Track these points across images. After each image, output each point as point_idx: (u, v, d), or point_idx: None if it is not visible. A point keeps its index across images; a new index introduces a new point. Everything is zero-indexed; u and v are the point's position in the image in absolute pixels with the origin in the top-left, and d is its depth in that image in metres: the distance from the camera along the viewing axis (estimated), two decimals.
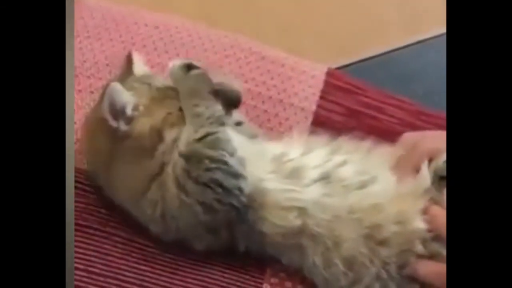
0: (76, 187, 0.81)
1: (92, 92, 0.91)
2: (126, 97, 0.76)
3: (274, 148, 0.80)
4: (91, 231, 0.80)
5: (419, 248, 0.73)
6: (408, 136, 0.82)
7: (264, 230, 0.76)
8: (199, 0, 1.52)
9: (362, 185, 0.76)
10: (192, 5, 1.46)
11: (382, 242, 0.73)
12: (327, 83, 0.97)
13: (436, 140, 0.78)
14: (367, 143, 0.81)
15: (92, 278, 0.77)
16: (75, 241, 0.77)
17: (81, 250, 0.78)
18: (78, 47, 0.95)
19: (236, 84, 0.80)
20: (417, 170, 0.77)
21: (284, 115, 0.93)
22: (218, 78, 0.79)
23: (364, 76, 1.02)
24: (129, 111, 0.76)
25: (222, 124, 0.75)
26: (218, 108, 0.75)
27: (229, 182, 0.73)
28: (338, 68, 1.30)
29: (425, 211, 0.74)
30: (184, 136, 0.75)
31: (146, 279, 0.78)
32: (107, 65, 0.94)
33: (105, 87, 0.76)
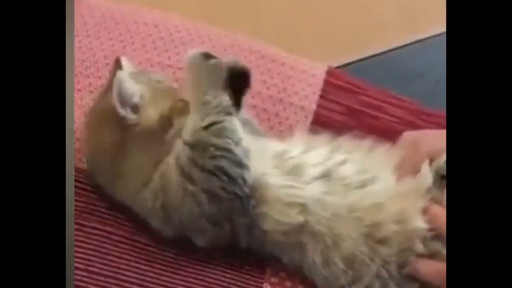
0: (76, 187, 0.81)
1: (91, 91, 0.91)
2: (133, 87, 0.77)
3: (275, 145, 0.80)
4: (91, 230, 0.80)
5: (420, 247, 0.73)
6: (409, 135, 0.82)
7: (266, 228, 0.76)
8: None
9: (363, 184, 0.76)
10: (192, 4, 1.46)
11: (382, 241, 0.73)
12: (327, 82, 0.97)
13: (437, 140, 0.78)
14: (367, 142, 0.81)
15: (92, 278, 0.77)
16: (75, 240, 0.77)
17: (81, 250, 0.78)
18: (78, 46, 0.95)
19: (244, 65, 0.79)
20: (418, 169, 0.77)
21: (284, 114, 0.93)
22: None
23: (364, 75, 1.02)
24: (136, 99, 0.77)
25: (229, 114, 0.75)
26: (225, 99, 0.75)
27: (233, 170, 0.73)
28: (338, 67, 1.30)
29: (425, 211, 0.73)
30: (190, 125, 0.75)
31: (147, 278, 0.78)
32: (107, 64, 0.94)
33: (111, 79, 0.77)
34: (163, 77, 0.85)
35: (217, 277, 0.79)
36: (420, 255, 0.73)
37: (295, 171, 0.76)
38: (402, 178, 0.76)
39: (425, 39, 1.52)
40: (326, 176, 0.76)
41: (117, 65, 0.82)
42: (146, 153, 0.77)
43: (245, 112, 0.81)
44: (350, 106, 0.96)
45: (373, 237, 0.74)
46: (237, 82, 0.77)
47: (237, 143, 0.74)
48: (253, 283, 0.79)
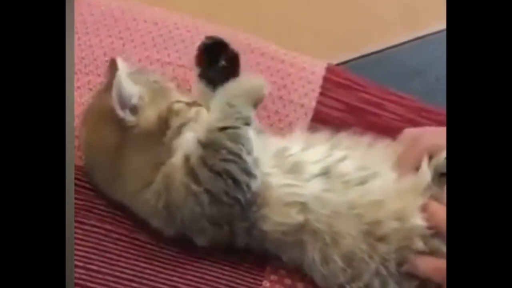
0: (75, 184, 0.80)
1: (90, 89, 0.90)
2: (132, 88, 0.77)
3: (275, 143, 0.80)
4: (90, 228, 0.80)
5: (419, 245, 0.73)
6: (409, 132, 0.82)
7: (265, 229, 0.76)
8: None
9: (362, 181, 0.76)
10: (191, 1, 1.45)
11: (382, 239, 0.73)
12: (326, 80, 0.96)
13: (436, 137, 0.78)
14: (367, 139, 0.81)
15: (91, 276, 0.77)
16: (74, 238, 0.77)
17: (80, 248, 0.78)
18: (77, 44, 0.95)
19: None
20: (417, 166, 0.76)
21: (284, 112, 0.93)
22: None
23: (364, 72, 1.01)
24: (135, 101, 0.77)
25: (247, 124, 0.76)
26: (250, 111, 0.77)
27: (240, 176, 0.73)
28: (338, 65, 1.30)
29: (424, 208, 0.73)
30: (206, 123, 0.76)
31: (146, 276, 0.78)
32: (106, 61, 0.92)
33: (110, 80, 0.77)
34: (159, 77, 0.85)
35: (216, 274, 0.79)
36: (420, 253, 0.73)
37: (295, 169, 0.76)
38: (402, 175, 0.76)
39: (425, 36, 1.52)
40: (325, 173, 0.76)
41: (113, 65, 0.82)
42: (145, 155, 0.77)
43: None
44: (350, 103, 0.95)
45: (373, 234, 0.74)
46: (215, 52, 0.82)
47: (248, 152, 0.74)
48: (252, 280, 0.79)
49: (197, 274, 0.79)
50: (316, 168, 0.76)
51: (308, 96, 0.94)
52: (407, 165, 0.77)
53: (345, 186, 0.75)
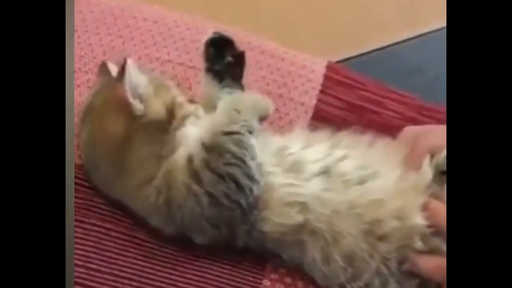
0: (74, 183, 0.80)
1: (90, 88, 0.90)
2: (141, 77, 0.78)
3: (275, 141, 0.80)
4: (90, 227, 0.80)
5: (419, 244, 0.73)
6: (409, 131, 0.82)
7: (265, 230, 0.76)
8: None
9: (363, 180, 0.75)
10: None
11: (382, 238, 0.73)
12: (327, 77, 0.96)
13: (437, 135, 0.78)
14: (368, 138, 0.81)
15: (90, 274, 0.76)
16: (74, 237, 0.77)
17: (79, 246, 0.78)
18: (76, 42, 0.94)
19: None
20: (418, 165, 0.76)
21: (284, 110, 0.92)
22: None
23: (364, 70, 1.01)
24: (143, 90, 0.77)
25: (251, 132, 0.76)
26: (255, 121, 0.77)
27: (243, 181, 0.74)
28: (338, 62, 1.29)
29: (425, 207, 0.73)
30: (211, 125, 0.76)
31: (145, 275, 0.78)
32: (106, 60, 0.93)
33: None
34: (158, 74, 0.86)
35: (216, 273, 0.79)
36: (420, 252, 0.73)
37: (295, 168, 0.76)
38: (403, 174, 0.76)
39: (425, 34, 1.51)
40: (325, 172, 0.76)
41: (103, 69, 0.82)
42: (150, 146, 0.77)
43: None
44: (350, 101, 0.95)
45: (373, 233, 0.73)
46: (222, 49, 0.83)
47: (252, 158, 0.75)
48: (252, 279, 0.79)
49: (197, 273, 0.78)
50: (316, 167, 0.76)
51: (308, 94, 0.94)
52: (408, 164, 0.77)
53: (345, 186, 0.75)
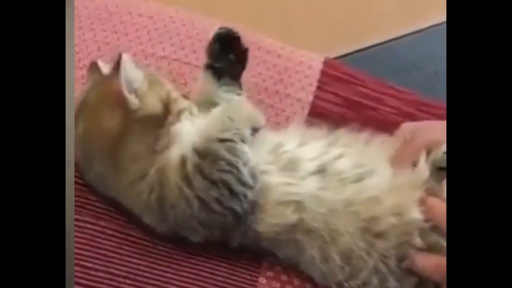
0: None
1: (84, 84, 0.89)
2: (137, 72, 0.78)
3: (271, 138, 0.80)
4: (84, 224, 0.79)
5: (417, 240, 0.72)
6: (407, 127, 0.81)
7: (260, 230, 0.75)
8: None
9: (359, 178, 0.75)
10: None
11: (379, 235, 0.73)
12: (324, 73, 0.96)
13: (435, 131, 0.77)
14: (365, 135, 0.80)
15: (84, 273, 0.76)
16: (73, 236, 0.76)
17: (74, 245, 0.77)
18: None
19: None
20: (415, 162, 0.76)
21: (281, 106, 0.92)
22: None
23: (363, 66, 1.01)
24: (138, 85, 0.77)
25: (243, 141, 0.76)
26: (248, 131, 0.77)
27: (237, 187, 0.73)
28: (336, 58, 1.29)
29: (422, 202, 0.73)
30: (204, 130, 0.76)
31: (140, 273, 0.77)
32: (100, 56, 0.93)
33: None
34: (152, 70, 0.86)
35: (212, 271, 0.78)
36: (419, 249, 0.72)
37: (291, 166, 0.76)
38: (400, 171, 0.76)
39: (424, 29, 1.51)
40: (321, 171, 0.75)
41: (94, 68, 0.82)
42: (145, 140, 0.76)
43: None
44: (348, 98, 0.94)
45: (370, 231, 0.73)
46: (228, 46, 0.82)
47: (244, 164, 0.74)
48: (248, 277, 0.79)
49: (193, 271, 0.78)
50: (312, 166, 0.76)
51: (305, 90, 0.94)
52: (405, 160, 0.76)
53: (341, 184, 0.75)
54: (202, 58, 0.92)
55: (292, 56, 0.97)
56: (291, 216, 0.74)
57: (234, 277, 0.78)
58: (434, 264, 0.71)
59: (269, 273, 0.79)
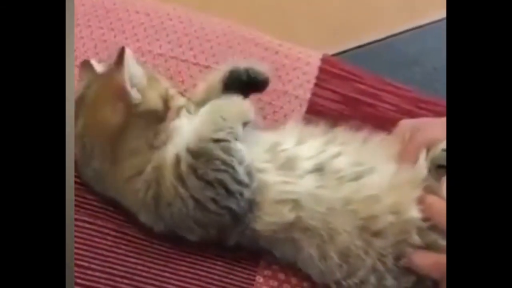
0: None
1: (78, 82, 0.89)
2: (138, 68, 0.78)
3: (269, 137, 0.79)
4: (81, 223, 0.79)
5: (415, 239, 0.72)
6: (405, 124, 0.81)
7: (257, 228, 0.75)
8: None
9: (357, 176, 0.75)
10: None
11: (377, 234, 0.72)
12: (322, 70, 0.95)
13: (434, 129, 0.77)
14: (363, 133, 0.80)
15: (81, 272, 0.75)
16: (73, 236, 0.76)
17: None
18: None
19: (264, 69, 0.82)
20: (414, 159, 0.75)
21: (278, 104, 0.91)
22: (247, 62, 0.81)
23: (362, 63, 1.00)
24: (139, 80, 0.77)
25: (237, 139, 0.75)
26: (240, 129, 0.76)
27: (233, 186, 0.73)
28: (335, 55, 1.28)
29: (420, 200, 0.72)
30: (197, 130, 0.76)
31: (137, 272, 0.77)
32: (97, 53, 0.92)
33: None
34: (149, 68, 0.85)
35: (209, 270, 0.78)
36: (417, 247, 0.72)
37: (288, 165, 0.75)
38: (399, 169, 0.75)
39: (423, 25, 1.50)
40: (319, 169, 0.75)
41: (86, 67, 0.81)
42: (145, 134, 0.76)
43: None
44: (346, 95, 0.94)
45: (368, 229, 0.73)
46: (255, 88, 0.82)
47: (240, 162, 0.74)
48: (246, 276, 0.78)
49: (190, 270, 0.78)
50: (309, 165, 0.75)
51: (303, 87, 0.93)
52: (404, 159, 0.76)
53: (339, 182, 0.74)
54: (200, 56, 0.93)
55: (290, 53, 0.96)
56: (289, 215, 0.74)
57: (231, 276, 0.78)
58: (433, 262, 0.70)
59: (266, 272, 0.79)
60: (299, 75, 0.94)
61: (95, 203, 0.80)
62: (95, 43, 0.94)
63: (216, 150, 0.74)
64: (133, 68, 0.77)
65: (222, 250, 0.78)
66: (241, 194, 0.73)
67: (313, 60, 0.96)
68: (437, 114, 0.90)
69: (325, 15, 1.53)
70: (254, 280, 0.78)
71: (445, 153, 0.74)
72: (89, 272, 0.76)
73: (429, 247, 0.72)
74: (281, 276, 0.79)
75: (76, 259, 0.76)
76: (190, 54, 0.93)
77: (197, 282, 0.77)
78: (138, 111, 0.76)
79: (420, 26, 1.50)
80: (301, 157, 0.76)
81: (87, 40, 0.94)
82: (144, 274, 0.77)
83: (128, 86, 0.75)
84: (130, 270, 0.77)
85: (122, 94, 0.76)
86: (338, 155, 0.76)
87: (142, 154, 0.76)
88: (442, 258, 0.61)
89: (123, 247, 0.78)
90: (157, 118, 0.77)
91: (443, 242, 0.71)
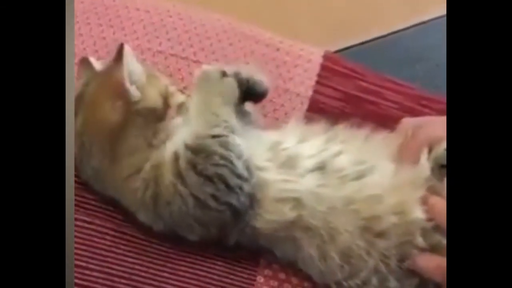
0: None
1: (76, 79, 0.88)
2: (137, 65, 0.78)
3: (270, 136, 0.79)
4: (80, 223, 0.78)
5: (420, 240, 0.71)
6: (408, 122, 0.80)
7: (258, 226, 0.74)
8: None
9: (359, 176, 0.74)
10: None
11: (380, 234, 0.72)
12: (323, 68, 0.94)
13: (436, 127, 0.76)
14: (364, 131, 0.79)
15: (79, 272, 0.75)
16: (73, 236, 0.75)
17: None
18: None
19: (264, 80, 0.80)
20: (417, 158, 0.75)
21: (279, 101, 0.90)
22: (246, 70, 0.79)
23: (364, 59, 0.99)
24: (137, 76, 0.77)
25: (233, 132, 0.75)
26: (234, 118, 0.76)
27: (232, 180, 0.73)
28: (337, 52, 1.27)
29: (424, 201, 0.72)
30: (193, 130, 0.75)
31: (136, 272, 0.76)
32: (96, 51, 0.92)
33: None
34: (148, 65, 0.85)
35: (209, 270, 0.77)
36: (421, 249, 0.71)
37: (289, 163, 0.75)
38: (401, 168, 0.74)
39: (426, 21, 1.49)
40: (321, 168, 0.74)
41: (85, 64, 0.81)
42: (144, 132, 0.76)
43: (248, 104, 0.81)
44: (348, 92, 0.93)
45: (371, 230, 0.72)
46: (254, 98, 0.80)
47: (238, 157, 0.73)
48: (246, 276, 0.78)
49: (189, 270, 0.77)
50: (311, 163, 0.75)
51: (304, 85, 0.92)
52: (406, 157, 0.75)
53: (341, 181, 0.74)
54: (200, 53, 0.92)
55: (291, 50, 0.95)
56: (289, 213, 0.73)
57: (231, 276, 0.77)
58: (436, 264, 0.69)
59: (266, 272, 0.78)
60: (300, 73, 0.93)
61: (93, 202, 0.80)
62: (94, 40, 0.93)
63: (214, 146, 0.73)
64: (132, 65, 0.77)
65: (222, 250, 0.78)
66: (241, 189, 0.73)
67: (315, 57, 0.95)
68: (440, 112, 0.90)
69: (327, 11, 1.52)
70: (254, 280, 0.78)
71: None
72: (87, 272, 0.75)
73: (433, 248, 0.71)
74: (282, 275, 0.78)
75: (74, 259, 0.75)
76: (190, 52, 0.93)
77: (196, 282, 0.77)
78: (137, 108, 0.76)
79: (423, 22, 1.50)
80: (302, 156, 0.75)
81: (86, 38, 0.93)
82: (142, 274, 0.76)
83: (127, 83, 0.75)
84: (129, 270, 0.76)
85: (121, 92, 0.75)
86: (339, 153, 0.75)
87: (141, 153, 0.76)
88: (445, 262, 0.60)
89: (121, 246, 0.78)
90: (156, 116, 0.77)
91: None
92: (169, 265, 0.77)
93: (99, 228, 0.78)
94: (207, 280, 0.77)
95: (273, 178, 0.74)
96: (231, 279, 0.77)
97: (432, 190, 0.72)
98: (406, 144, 0.76)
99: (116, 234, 0.78)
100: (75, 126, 0.78)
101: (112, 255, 0.77)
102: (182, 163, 0.73)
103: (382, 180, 0.74)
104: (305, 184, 0.73)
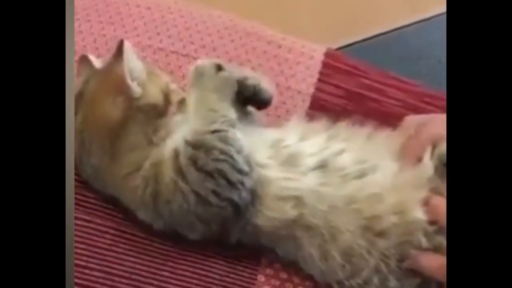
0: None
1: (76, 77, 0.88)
2: (138, 62, 0.78)
3: (272, 134, 0.78)
4: (79, 222, 0.78)
5: (423, 240, 0.71)
6: (411, 120, 0.80)
7: (259, 223, 0.74)
8: None
9: (361, 174, 0.73)
10: None
11: (381, 234, 0.71)
12: (325, 65, 0.93)
13: (440, 124, 0.75)
14: (367, 129, 0.79)
15: (79, 271, 0.75)
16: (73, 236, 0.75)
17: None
18: None
19: (270, 88, 0.81)
20: (420, 156, 0.74)
21: (281, 99, 0.90)
22: (251, 75, 0.80)
23: (366, 56, 0.99)
24: (138, 73, 0.77)
25: (233, 126, 0.75)
26: (232, 112, 0.76)
27: (233, 175, 0.72)
28: (339, 49, 1.27)
29: (426, 201, 0.71)
30: (192, 127, 0.75)
31: (136, 271, 0.76)
32: (96, 48, 0.91)
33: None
34: (149, 62, 0.85)
35: (209, 269, 0.77)
36: (424, 249, 0.71)
37: (291, 161, 0.75)
38: (404, 167, 0.74)
39: (428, 18, 1.49)
40: (322, 166, 0.74)
41: (84, 62, 0.80)
42: (145, 129, 0.76)
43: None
44: (350, 89, 0.92)
45: (372, 229, 0.71)
46: (258, 104, 0.80)
47: (238, 151, 0.73)
48: (247, 275, 0.78)
49: (190, 269, 0.77)
50: (312, 161, 0.74)
51: (306, 82, 0.92)
52: (409, 156, 0.75)
53: (342, 180, 0.73)
54: (201, 50, 0.92)
55: (293, 47, 0.95)
56: (291, 212, 0.73)
57: (232, 275, 0.77)
58: (439, 264, 0.69)
59: (268, 271, 0.78)
60: (302, 70, 0.93)
61: (93, 201, 0.80)
62: (94, 37, 0.93)
63: (214, 141, 0.73)
64: (132, 62, 0.76)
65: (223, 249, 0.77)
66: (242, 183, 0.72)
67: (317, 54, 0.94)
68: (443, 109, 0.89)
69: (329, 8, 1.52)
70: (255, 279, 0.77)
71: None
72: (87, 271, 0.75)
73: (436, 250, 0.71)
74: (283, 275, 0.78)
75: (74, 258, 0.75)
76: (191, 49, 0.92)
77: (197, 282, 0.76)
78: (138, 105, 0.76)
79: (425, 19, 1.49)
80: (304, 154, 0.75)
81: (86, 35, 0.93)
82: (143, 273, 0.76)
83: (128, 79, 0.75)
84: (129, 269, 0.76)
85: (122, 87, 0.75)
86: (341, 152, 0.75)
87: (140, 150, 0.75)
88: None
89: (122, 245, 0.77)
90: (157, 112, 0.77)
91: None
92: (169, 264, 0.77)
93: (99, 227, 0.78)
94: (208, 279, 0.76)
95: (274, 176, 0.74)
96: (232, 278, 0.77)
97: (435, 191, 0.72)
98: (409, 142, 0.76)
99: (116, 232, 0.78)
100: (75, 123, 0.78)
101: (112, 254, 0.77)
102: (183, 159, 0.73)
103: (384, 179, 0.73)
104: (307, 182, 0.73)
